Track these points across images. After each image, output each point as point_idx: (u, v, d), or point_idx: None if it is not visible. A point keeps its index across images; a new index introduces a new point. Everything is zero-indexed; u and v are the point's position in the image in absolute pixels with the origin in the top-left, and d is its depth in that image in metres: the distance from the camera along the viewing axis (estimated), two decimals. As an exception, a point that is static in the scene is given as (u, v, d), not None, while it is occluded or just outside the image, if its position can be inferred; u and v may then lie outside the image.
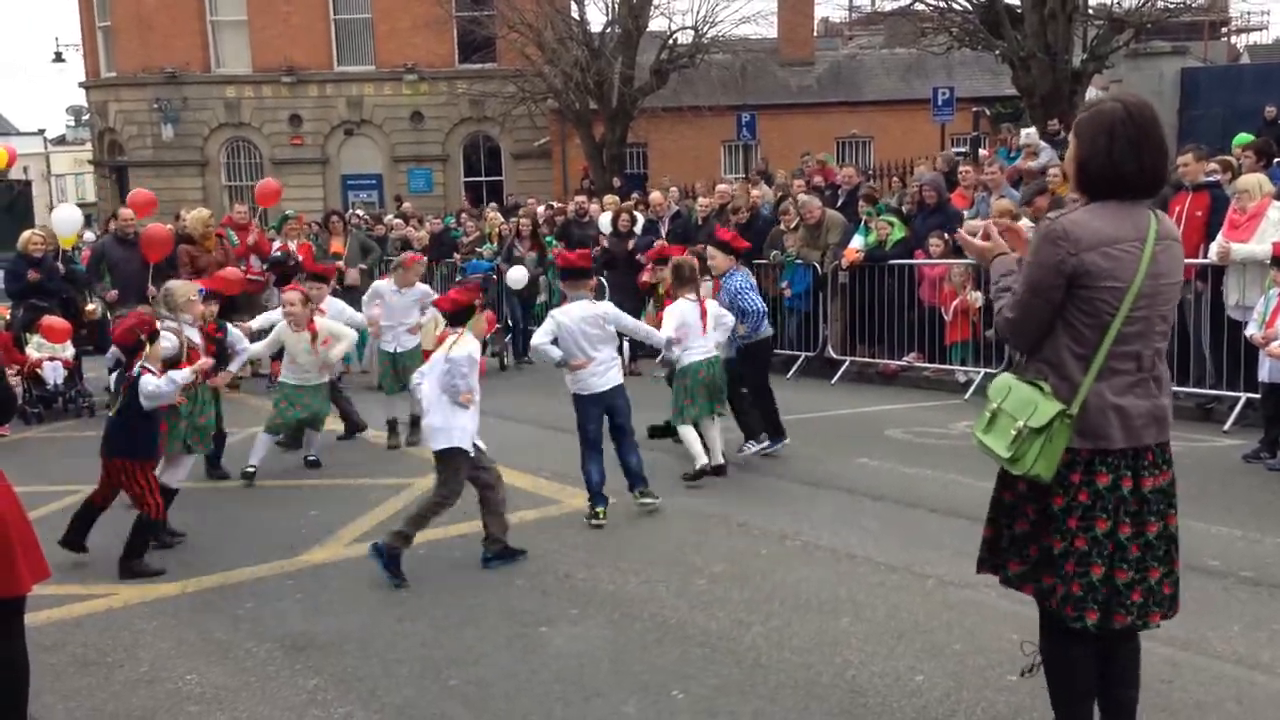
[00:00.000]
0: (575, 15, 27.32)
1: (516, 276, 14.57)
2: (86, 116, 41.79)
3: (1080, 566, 3.42)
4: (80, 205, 31.23)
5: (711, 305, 8.18)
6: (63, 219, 13.79)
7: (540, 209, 18.50)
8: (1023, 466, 3.38)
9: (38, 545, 4.06)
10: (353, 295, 14.61)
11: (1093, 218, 3.36)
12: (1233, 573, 5.73)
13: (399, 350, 9.80)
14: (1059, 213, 3.46)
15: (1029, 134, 14.84)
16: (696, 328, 7.96)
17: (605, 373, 7.08)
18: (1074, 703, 3.61)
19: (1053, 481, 3.40)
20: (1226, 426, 9.13)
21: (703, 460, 7.96)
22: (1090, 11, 20.55)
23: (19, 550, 3.89)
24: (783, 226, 13.20)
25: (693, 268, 8.17)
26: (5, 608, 3.94)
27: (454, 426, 6.17)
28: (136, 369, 6.32)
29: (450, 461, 6.21)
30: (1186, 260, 9.35)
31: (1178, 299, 3.52)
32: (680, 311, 7.99)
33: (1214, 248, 9.12)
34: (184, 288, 7.50)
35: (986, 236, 3.80)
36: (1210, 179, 9.69)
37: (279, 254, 14.15)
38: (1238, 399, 9.20)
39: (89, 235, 21.61)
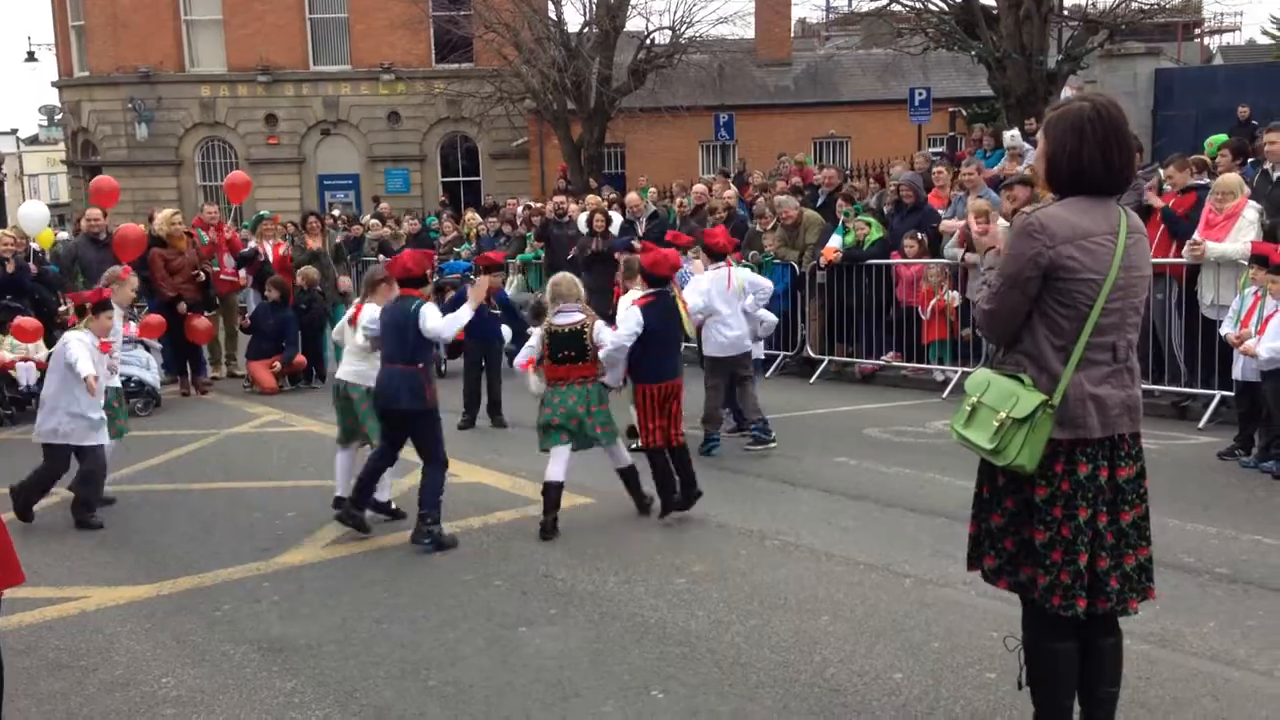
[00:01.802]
0: (552, 15, 27.31)
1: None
2: (59, 116, 41.49)
3: (1068, 555, 3.47)
4: (53, 206, 31.03)
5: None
6: (29, 215, 13.67)
7: (519, 209, 18.46)
8: (1006, 458, 3.44)
9: (11, 549, 4.02)
10: (346, 300, 14.57)
11: (1067, 212, 3.44)
12: (1208, 570, 5.77)
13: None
14: (1034, 207, 3.52)
15: (1013, 135, 14.80)
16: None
17: None
18: (1057, 698, 3.64)
19: (1035, 473, 3.46)
20: (1201, 424, 9.19)
21: None
22: (1065, 13, 20.68)
23: None
24: (759, 227, 13.22)
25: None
26: None
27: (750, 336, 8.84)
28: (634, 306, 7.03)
29: (748, 358, 9.00)
30: (1166, 259, 9.50)
31: (1147, 292, 3.60)
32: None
33: (1186, 246, 9.19)
34: (568, 279, 7.26)
35: (984, 231, 3.89)
36: (1200, 181, 9.77)
37: (249, 251, 14.06)
38: (1212, 397, 9.26)
39: (62, 235, 21.43)
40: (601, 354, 6.89)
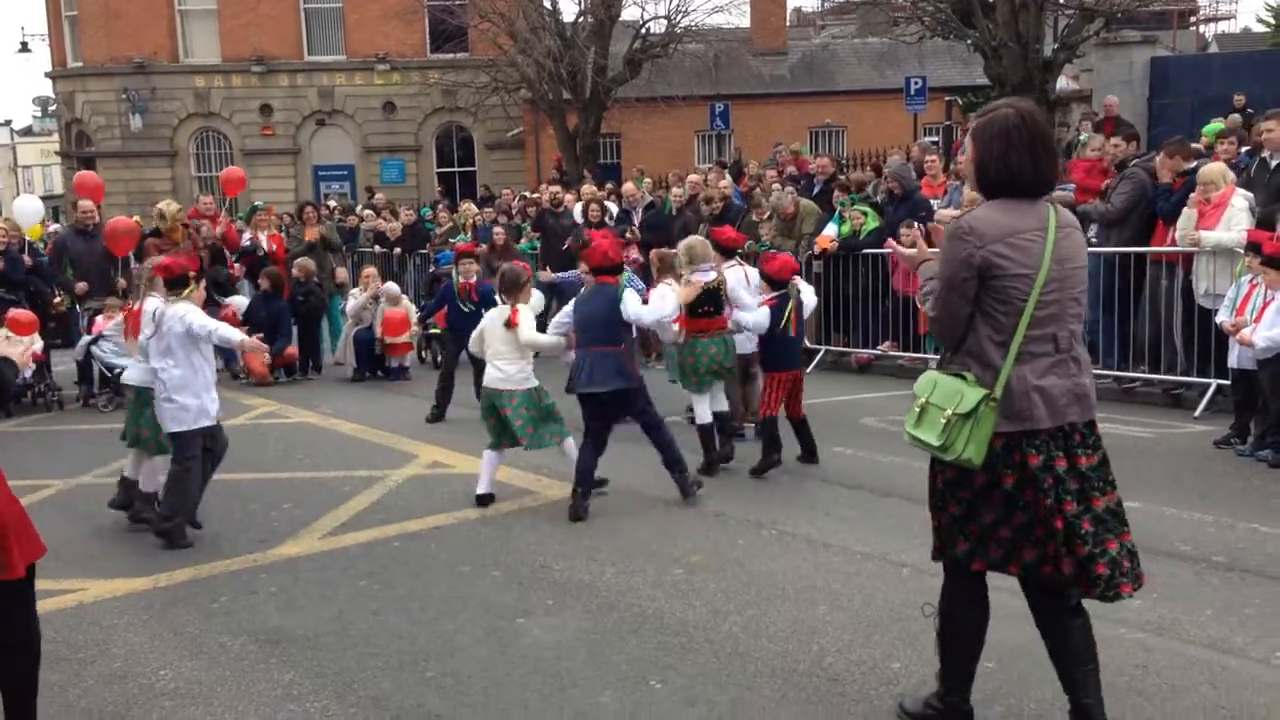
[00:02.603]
0: (548, 5, 27.22)
1: None
2: (53, 107, 41.35)
3: (1048, 531, 3.56)
4: (47, 198, 30.89)
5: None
6: (23, 209, 13.62)
7: (514, 201, 18.43)
8: (954, 452, 3.57)
9: (30, 525, 4.01)
10: (342, 291, 14.58)
11: (994, 213, 3.58)
12: (1205, 558, 5.78)
13: None
14: (963, 211, 3.62)
15: None
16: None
17: None
18: (966, 659, 3.88)
19: (999, 463, 3.57)
20: (1197, 413, 9.20)
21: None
22: (1061, 1, 20.63)
23: (10, 533, 3.84)
24: (755, 217, 13.20)
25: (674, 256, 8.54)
26: (6, 590, 3.89)
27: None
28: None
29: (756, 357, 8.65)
30: (1164, 248, 9.50)
31: (1085, 283, 3.70)
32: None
33: (1179, 233, 9.20)
34: (701, 241, 8.26)
35: (914, 245, 4.02)
36: (1190, 166, 9.77)
37: (248, 244, 14.05)
38: (1208, 385, 9.27)
39: (54, 227, 21.37)
40: (729, 322, 7.98)
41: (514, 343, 7.24)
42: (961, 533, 3.77)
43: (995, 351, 3.55)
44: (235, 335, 7.01)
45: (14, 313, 10.78)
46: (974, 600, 3.86)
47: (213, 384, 6.85)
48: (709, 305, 7.89)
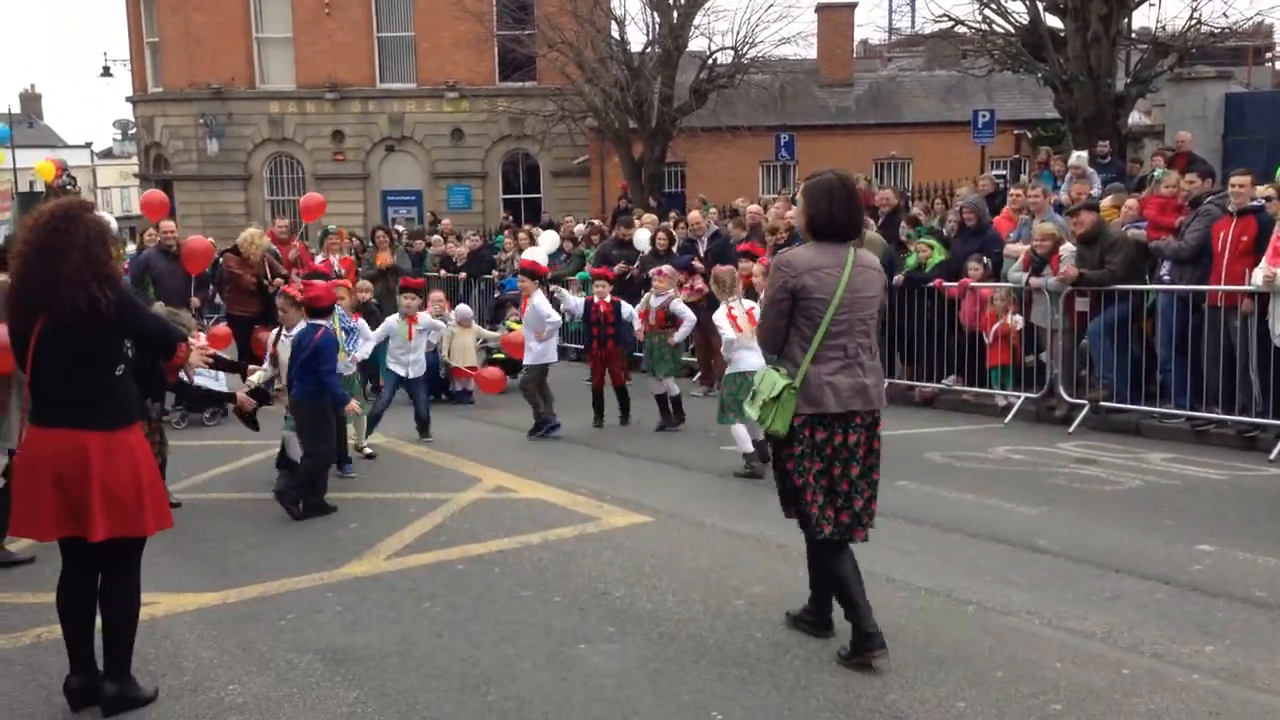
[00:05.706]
0: (615, 35, 27.47)
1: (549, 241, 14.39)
2: (133, 130, 42.46)
3: (812, 495, 4.90)
4: (124, 218, 31.60)
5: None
6: None
7: (579, 227, 18.57)
8: (766, 425, 4.91)
9: (164, 498, 4.75)
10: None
11: (808, 251, 4.93)
12: (1280, 604, 5.65)
13: None
14: (785, 250, 4.74)
15: (1080, 157, 14.49)
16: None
17: None
18: (852, 594, 4.89)
19: (792, 437, 4.88)
20: (1272, 455, 8.99)
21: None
22: (1134, 35, 20.42)
23: (146, 494, 4.55)
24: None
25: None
26: (124, 548, 4.60)
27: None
28: None
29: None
30: (1234, 287, 9.31)
31: (874, 309, 4.97)
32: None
33: (1258, 274, 9.03)
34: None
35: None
36: (1255, 203, 9.60)
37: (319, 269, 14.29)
38: (1284, 428, 9.07)
39: (130, 248, 21.87)
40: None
41: None
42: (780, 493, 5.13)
43: (800, 353, 4.85)
44: None
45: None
46: (835, 549, 4.98)
47: None
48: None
